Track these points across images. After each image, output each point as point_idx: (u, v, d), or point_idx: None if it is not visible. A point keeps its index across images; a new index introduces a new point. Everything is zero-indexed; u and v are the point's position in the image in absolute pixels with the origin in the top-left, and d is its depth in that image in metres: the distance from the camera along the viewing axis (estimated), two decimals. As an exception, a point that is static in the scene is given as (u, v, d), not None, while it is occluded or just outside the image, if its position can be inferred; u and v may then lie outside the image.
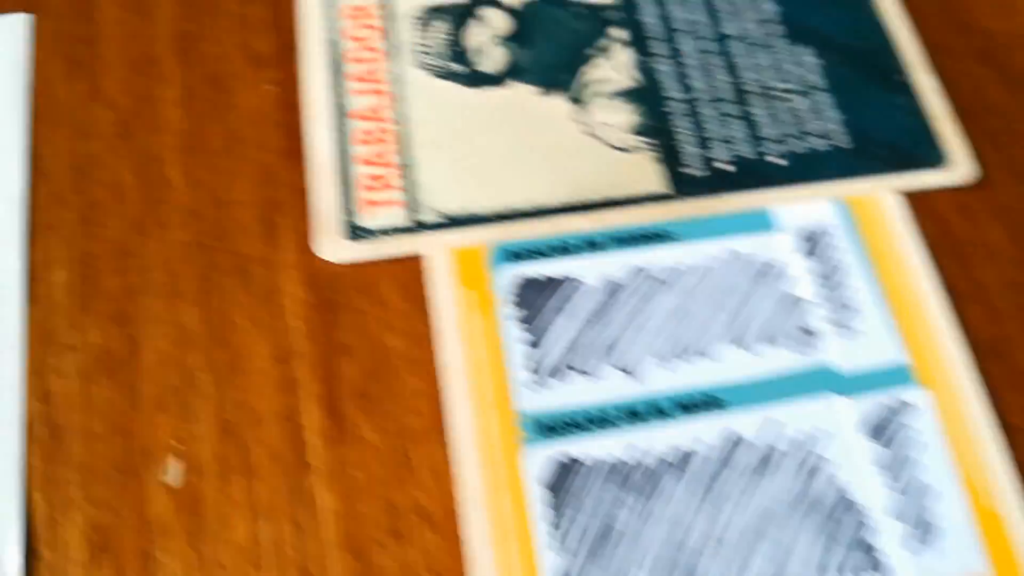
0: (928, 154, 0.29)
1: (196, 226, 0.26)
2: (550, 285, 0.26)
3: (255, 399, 0.24)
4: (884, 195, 0.28)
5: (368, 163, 0.27)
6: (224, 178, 0.27)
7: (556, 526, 0.23)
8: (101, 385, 0.24)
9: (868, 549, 0.23)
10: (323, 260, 0.26)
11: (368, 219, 0.26)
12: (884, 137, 0.29)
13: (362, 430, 0.24)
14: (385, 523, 0.23)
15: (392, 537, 0.23)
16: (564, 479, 0.23)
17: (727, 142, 0.28)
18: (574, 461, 0.24)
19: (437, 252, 0.26)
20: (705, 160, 0.28)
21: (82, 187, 0.27)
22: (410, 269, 0.26)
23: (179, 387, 0.24)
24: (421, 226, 0.26)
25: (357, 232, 0.26)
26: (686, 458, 0.24)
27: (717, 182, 0.28)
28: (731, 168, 0.28)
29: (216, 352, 0.25)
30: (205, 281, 0.25)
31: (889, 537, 0.23)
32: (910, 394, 0.25)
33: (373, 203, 0.26)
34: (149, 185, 0.27)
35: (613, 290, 0.26)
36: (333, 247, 0.26)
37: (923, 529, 0.23)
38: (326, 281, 0.26)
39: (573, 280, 0.26)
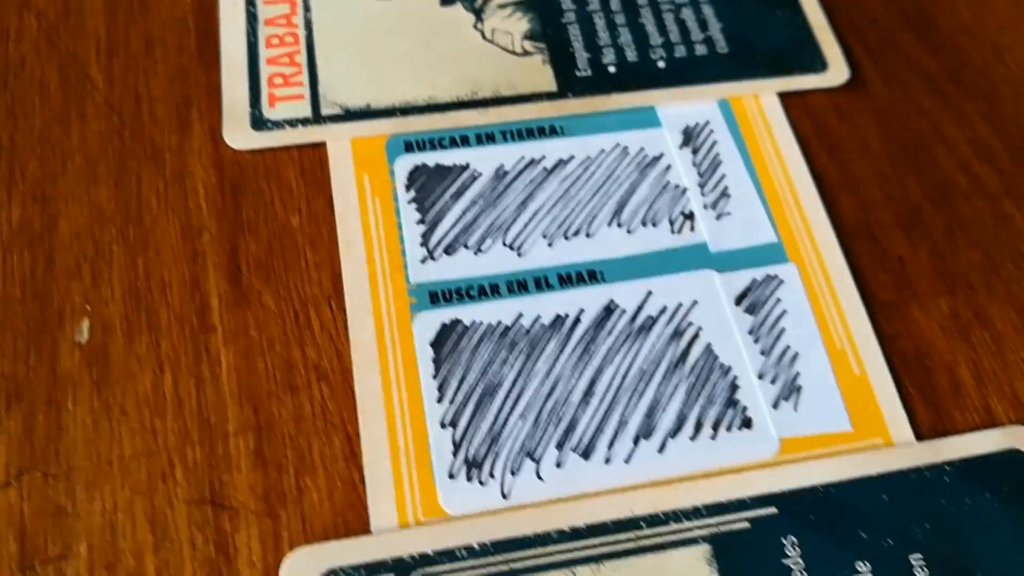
0: (807, 60, 0.30)
1: (115, 119, 0.28)
2: (445, 173, 0.28)
3: (163, 269, 0.26)
4: (764, 96, 0.30)
5: (276, 63, 0.29)
6: (143, 77, 0.29)
7: (438, 379, 0.24)
8: (21, 256, 0.25)
9: (739, 408, 0.25)
10: (232, 149, 0.27)
11: (274, 112, 0.28)
12: (766, 45, 0.31)
13: (263, 297, 0.25)
14: (282, 378, 0.24)
15: (288, 391, 0.24)
16: (447, 338, 0.25)
17: (616, 48, 0.30)
18: (457, 323, 0.25)
19: (338, 141, 0.28)
20: (595, 64, 0.30)
21: (10, 85, 0.28)
22: (313, 157, 0.28)
23: (93, 258, 0.26)
24: (324, 118, 0.28)
25: (263, 123, 0.27)
26: (565, 322, 0.26)
27: (605, 83, 0.29)
28: (619, 71, 0.30)
29: (129, 228, 0.26)
30: (121, 167, 0.27)
31: (758, 397, 0.25)
32: (778, 269, 0.27)
33: (279, 98, 0.28)
34: (72, 83, 0.28)
35: (504, 178, 0.28)
36: (240, 136, 0.27)
37: (790, 390, 0.25)
38: (233, 167, 0.27)
39: (467, 169, 0.28)
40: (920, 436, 0.25)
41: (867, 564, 0.23)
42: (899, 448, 0.24)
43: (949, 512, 0.24)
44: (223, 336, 0.25)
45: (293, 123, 0.28)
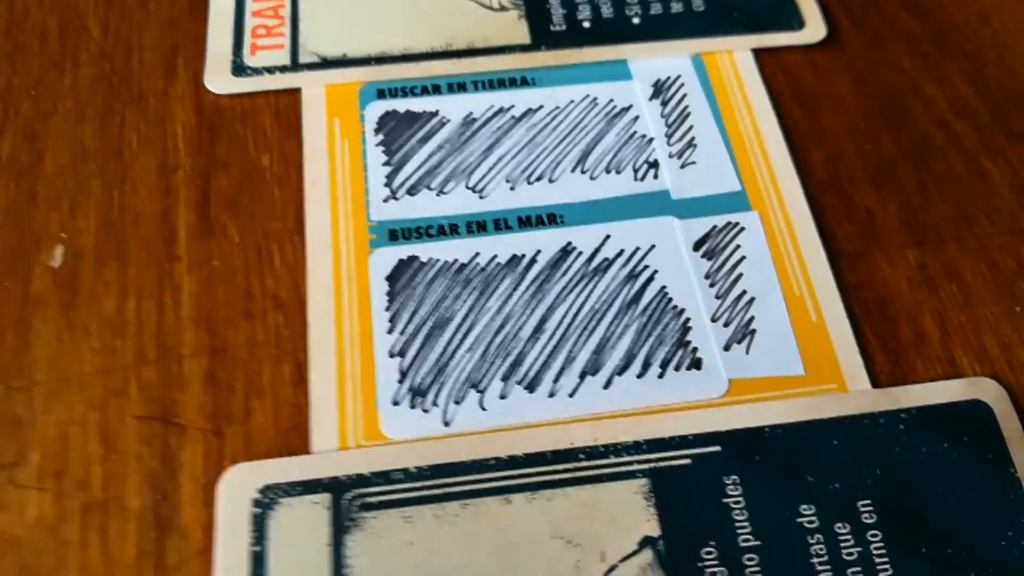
0: (784, 18, 0.30)
1: (106, 66, 0.29)
2: (414, 118, 0.28)
3: (137, 202, 0.26)
4: (738, 52, 0.29)
5: (261, 15, 0.29)
6: (136, 28, 0.29)
7: (391, 311, 0.24)
8: (6, 187, 0.26)
9: (689, 348, 0.24)
10: (212, 93, 0.28)
11: (254, 60, 0.28)
12: (744, 3, 0.30)
13: (228, 230, 0.26)
14: (239, 306, 0.25)
15: (244, 318, 0.24)
16: (403, 273, 0.25)
17: (592, 4, 0.30)
18: (414, 259, 0.25)
19: (313, 87, 0.28)
20: (570, 19, 0.30)
21: (13, 34, 0.29)
22: (289, 102, 0.28)
23: (73, 191, 0.26)
24: (301, 66, 0.28)
25: (243, 70, 0.28)
26: (521, 262, 0.25)
27: (579, 37, 0.29)
28: (593, 26, 0.29)
29: (109, 164, 0.27)
30: (108, 109, 0.28)
31: (709, 338, 0.24)
32: (740, 216, 0.26)
33: (260, 47, 0.29)
34: (70, 33, 0.29)
35: (471, 125, 0.28)
36: (221, 81, 0.28)
37: (743, 333, 0.24)
38: (212, 110, 0.28)
39: (435, 115, 0.28)
40: (878, 385, 0.24)
41: (812, 507, 0.22)
42: (853, 394, 0.23)
43: (903, 460, 0.23)
44: (187, 265, 0.25)
45: (271, 70, 0.28)
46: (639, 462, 0.23)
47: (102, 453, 0.23)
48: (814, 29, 0.29)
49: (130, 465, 0.23)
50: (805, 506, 0.22)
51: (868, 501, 0.22)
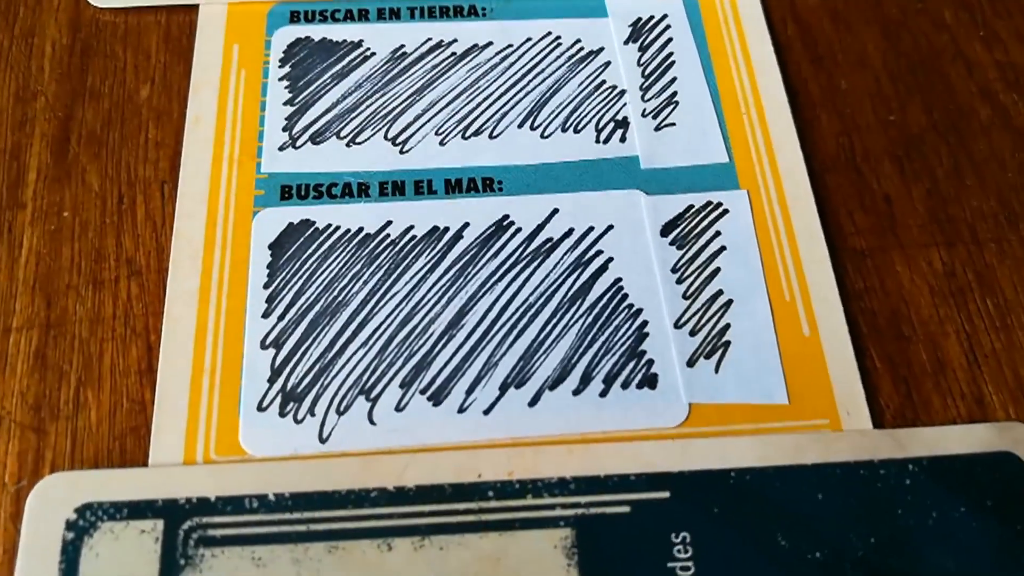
0: (802, -47, 0.23)
1: (-27, -34, 0.23)
2: (331, 49, 0.21)
3: (-18, 134, 0.21)
4: (741, -10, 0.23)
5: (162, -87, 0.23)
6: (14, -78, 0.23)
7: (270, 288, 0.18)
8: None
9: (643, 361, 0.18)
10: (93, 7, 0.22)
11: (147, -34, 0.22)
12: (753, -69, 0.23)
13: (87, 174, 0.20)
14: (87, 270, 0.19)
15: (91, 285, 0.19)
16: (291, 241, 0.19)
17: (566, -79, 0.23)
18: (308, 224, 0.19)
19: (213, 4, 0.22)
20: (537, -63, 0.23)
21: None
22: (182, 22, 0.21)
23: (-94, 115, 0.21)
24: (202, -23, 0.22)
25: (132, -22, 0.22)
26: (443, 236, 0.19)
27: (547, -39, 0.23)
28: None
29: (-44, 85, 0.21)
30: (-34, 18, 0.22)
31: (670, 350, 0.18)
32: (724, 196, 0.20)
33: (156, -49, 0.23)
34: (-65, -76, 0.23)
35: (401, 60, 0.21)
36: (103, -9, 0.22)
37: (714, 346, 0.18)
38: (90, 27, 0.21)
39: (359, 46, 0.21)
40: (880, 423, 0.18)
41: (782, 581, 0.16)
42: (848, 435, 0.17)
43: (906, 525, 0.17)
44: (32, 214, 0.19)
45: (165, -19, 0.22)
46: (563, 506, 0.17)
47: None
48: (838, -33, 0.23)
49: (-74, 463, 0.17)
50: (773, 578, 0.17)
51: (856, 577, 0.17)
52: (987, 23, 0.23)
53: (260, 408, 0.17)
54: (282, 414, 0.17)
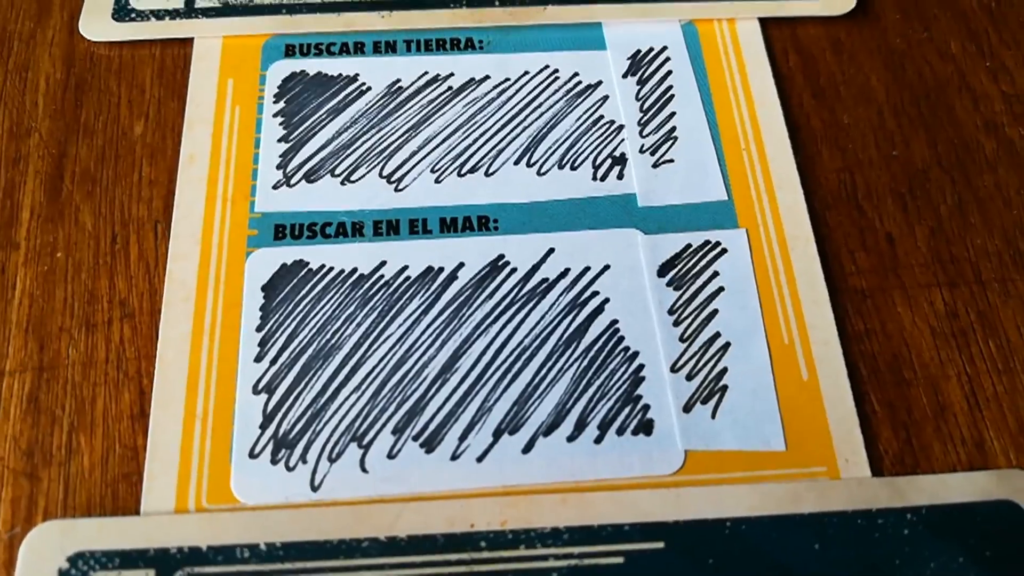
0: (804, -18, 0.23)
1: (-32, -1, 0.23)
2: (326, 83, 0.21)
3: (-24, 172, 0.21)
4: (741, 21, 0.22)
5: (157, -56, 0.23)
6: (9, -46, 0.24)
7: (263, 331, 0.18)
8: None
9: (639, 406, 0.18)
10: (88, 40, 0.22)
11: (141, 1, 0.22)
12: (754, -41, 0.23)
13: (81, 213, 0.20)
14: (80, 312, 0.19)
15: (84, 328, 0.19)
16: (285, 283, 0.19)
17: (565, -50, 0.23)
18: (302, 265, 0.19)
19: (208, 38, 0.22)
20: (535, -33, 0.23)
21: None
22: (176, 55, 0.22)
23: (-99, 153, 0.21)
24: (197, 11, 0.22)
25: (127, 13, 0.22)
26: (437, 277, 0.19)
27: (544, -9, 0.23)
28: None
29: (-50, 122, 0.21)
30: (-39, 53, 0.22)
31: (666, 395, 0.17)
32: (723, 235, 0.20)
33: (151, -16, 0.23)
34: (-70, -45, 0.24)
35: (397, 95, 0.21)
36: (98, 26, 0.21)
37: (711, 391, 0.18)
38: (84, 62, 0.21)
39: (354, 80, 0.21)
40: (879, 470, 0.17)
41: (777, 634, 0.16)
42: (847, 483, 0.17)
43: (904, 575, 0.17)
44: (25, 255, 0.19)
45: (160, 14, 0.22)
46: (556, 556, 0.17)
47: None
48: (841, -3, 0.23)
49: (-81, 510, 0.17)
50: (769, 631, 0.16)
51: (853, 631, 0.16)
52: (994, 53, 0.22)
53: (252, 455, 0.17)
54: (274, 461, 0.17)
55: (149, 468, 0.17)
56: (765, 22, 0.22)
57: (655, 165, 0.20)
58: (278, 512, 0.17)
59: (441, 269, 0.19)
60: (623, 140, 0.20)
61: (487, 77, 0.21)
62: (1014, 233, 0.20)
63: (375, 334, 0.18)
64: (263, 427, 0.17)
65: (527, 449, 0.17)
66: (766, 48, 0.22)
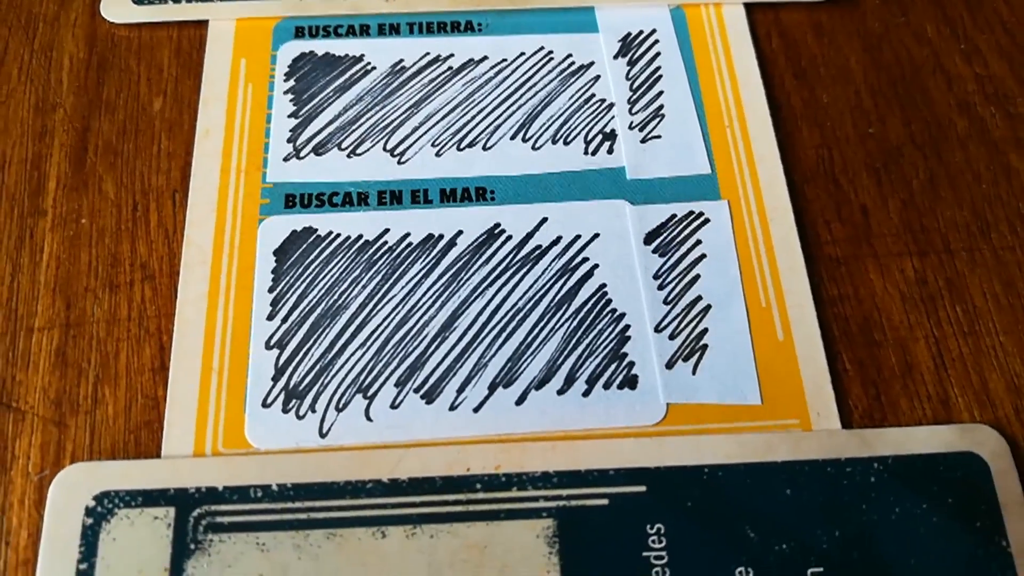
0: (789, -31, 0.24)
1: (-5, -17, 0.25)
2: (333, 63, 0.23)
3: (7, 144, 0.22)
4: (727, 5, 0.24)
5: (174, -69, 0.25)
6: (34, -60, 0.25)
7: (275, 292, 0.20)
8: None
9: (624, 363, 0.19)
10: (109, 22, 0.23)
11: (159, -17, 0.24)
12: (741, -52, 0.25)
13: (104, 183, 0.21)
14: (104, 274, 0.20)
15: (107, 288, 0.20)
16: (295, 248, 0.20)
17: (560, -62, 0.25)
18: (311, 231, 0.21)
19: (222, 20, 0.23)
20: (532, -46, 0.24)
21: (-103, -60, 0.25)
22: (192, 36, 0.23)
23: (-65, 127, 0.22)
24: (212, -6, 0.24)
25: (145, -6, 0.24)
26: (437, 243, 0.21)
27: (541, -23, 0.24)
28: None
29: (-20, 98, 0.23)
30: (-10, 33, 0.24)
31: (650, 352, 0.19)
32: (705, 205, 0.21)
33: (168, -32, 0.24)
34: (-40, -59, 0.25)
35: (400, 74, 0.23)
36: (118, 8, 0.23)
37: (692, 349, 0.19)
38: (105, 42, 0.23)
39: (360, 60, 0.23)
40: (849, 424, 0.19)
41: (750, 571, 0.17)
42: (817, 434, 0.19)
43: (869, 520, 0.18)
44: (52, 221, 0.21)
45: (177, -2, 0.24)
46: (546, 498, 0.18)
47: (-74, 437, 0.19)
48: (823, -17, 0.24)
49: (-45, 454, 0.19)
50: (742, 568, 0.18)
51: (820, 569, 0.17)
52: (968, 37, 0.24)
53: (264, 404, 0.19)
54: (285, 410, 0.19)
55: (169, 416, 0.19)
56: (750, 7, 0.24)
57: (643, 141, 0.22)
58: (288, 456, 0.18)
59: (441, 236, 0.21)
60: (613, 117, 0.22)
61: (485, 58, 0.23)
62: (982, 206, 0.21)
63: (379, 295, 0.20)
64: (275, 379, 0.19)
65: (520, 401, 0.19)
66: (750, 31, 0.23)
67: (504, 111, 0.22)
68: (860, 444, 0.19)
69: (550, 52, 0.23)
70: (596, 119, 0.22)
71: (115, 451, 0.19)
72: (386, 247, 0.20)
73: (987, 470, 0.18)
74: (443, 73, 0.23)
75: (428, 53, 0.23)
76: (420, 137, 0.22)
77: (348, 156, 0.21)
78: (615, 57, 0.23)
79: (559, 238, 0.21)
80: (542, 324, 0.20)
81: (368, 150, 0.22)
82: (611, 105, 0.22)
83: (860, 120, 0.22)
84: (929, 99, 0.23)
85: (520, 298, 0.20)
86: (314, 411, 0.19)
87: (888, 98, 0.23)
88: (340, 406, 0.19)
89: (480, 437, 0.18)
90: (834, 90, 0.23)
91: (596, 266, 0.20)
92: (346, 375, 0.19)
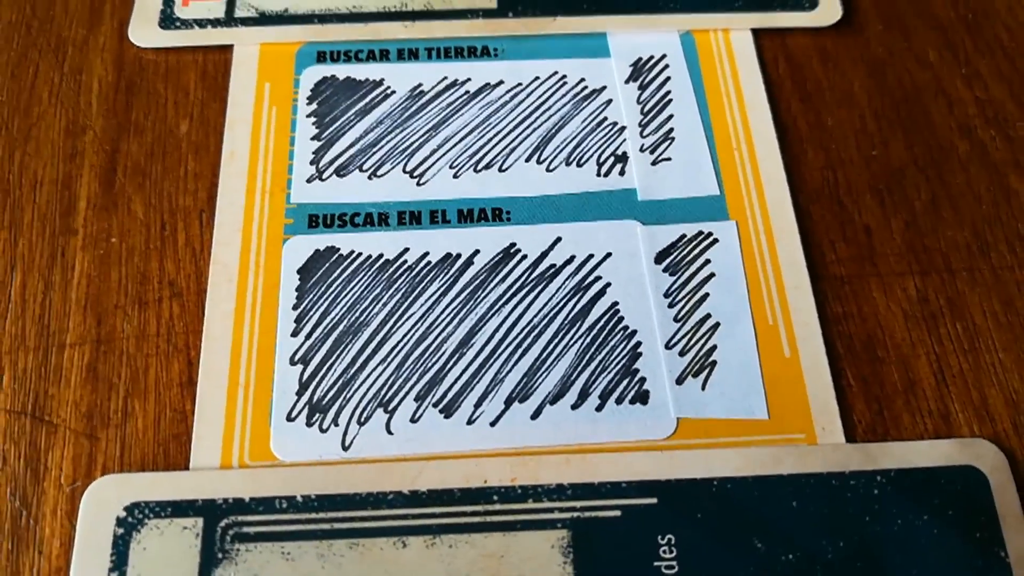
0: (794, -5, 0.25)
1: (27, 9, 0.25)
2: (354, 87, 0.24)
3: (39, 165, 0.23)
4: (735, 31, 0.25)
5: (199, -41, 0.26)
6: (63, -33, 0.26)
7: (298, 310, 0.21)
8: (-102, 139, 0.24)
9: (636, 378, 0.20)
10: (136, 46, 0.24)
11: (186, 11, 0.25)
12: (748, -25, 0.26)
13: (133, 203, 0.22)
14: (133, 291, 0.21)
15: (137, 305, 0.21)
16: (318, 266, 0.21)
17: (573, -35, 0.26)
18: (333, 250, 0.22)
19: (246, 45, 0.24)
20: (545, -19, 0.26)
21: (-69, -33, 0.26)
22: (218, 61, 0.24)
23: (-30, 148, 0.23)
24: (236, 20, 0.24)
25: (172, 22, 0.24)
26: (455, 262, 0.22)
27: (554, 3, 0.25)
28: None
29: (15, 120, 0.23)
30: (22, 58, 0.24)
31: (661, 368, 0.20)
32: (714, 226, 0.22)
33: (194, -5, 0.25)
34: (-8, -32, 0.26)
35: (419, 98, 0.24)
36: (146, 33, 0.24)
37: (701, 365, 0.20)
38: (133, 66, 0.24)
39: (380, 85, 0.24)
40: (853, 438, 0.20)
41: (758, 579, 0.19)
42: (822, 448, 0.20)
43: (872, 531, 0.19)
44: (83, 240, 0.22)
45: (203, 23, 0.24)
46: (561, 509, 0.19)
47: (-36, 449, 0.20)
48: (827, 9, 0.25)
49: (-8, 465, 0.20)
50: (750, 577, 0.19)
51: (825, 578, 0.19)
52: (969, 61, 0.25)
53: (289, 418, 0.20)
54: (309, 424, 0.20)
55: (197, 429, 0.20)
56: (757, 32, 0.25)
57: (654, 163, 0.23)
58: (312, 468, 0.19)
59: (459, 255, 0.22)
60: (625, 140, 0.23)
61: (501, 82, 0.24)
62: (982, 227, 0.22)
63: (399, 313, 0.21)
64: (299, 394, 0.20)
65: (535, 415, 0.20)
66: (758, 56, 0.24)
67: (519, 134, 0.23)
68: (864, 458, 0.20)
69: (564, 77, 0.24)
70: (608, 142, 0.23)
71: (145, 463, 0.20)
72: (406, 266, 0.21)
73: (986, 483, 0.19)
74: (460, 97, 0.24)
75: (446, 77, 0.24)
76: (438, 159, 0.23)
77: (369, 178, 0.22)
78: (626, 81, 0.24)
79: (573, 257, 0.22)
80: (556, 341, 0.21)
81: (388, 172, 0.23)
82: (623, 128, 0.23)
83: (864, 143, 0.23)
84: (931, 122, 0.24)
85: (535, 315, 0.21)
86: (337, 425, 0.20)
87: (891, 121, 0.24)
88: (362, 420, 0.20)
89: (497, 450, 0.19)
90: (839, 113, 0.24)
91: (608, 284, 0.21)
92: (368, 390, 0.20)
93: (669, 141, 0.23)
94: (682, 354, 0.20)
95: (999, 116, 0.24)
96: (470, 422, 0.20)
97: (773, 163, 0.23)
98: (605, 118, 0.23)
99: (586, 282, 0.21)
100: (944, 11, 0.25)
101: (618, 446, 0.19)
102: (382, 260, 0.21)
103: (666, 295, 0.21)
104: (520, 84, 0.24)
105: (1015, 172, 0.23)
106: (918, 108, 0.24)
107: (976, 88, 0.24)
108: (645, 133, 0.23)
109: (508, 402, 0.20)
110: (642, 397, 0.20)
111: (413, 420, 0.20)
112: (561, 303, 0.21)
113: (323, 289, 0.21)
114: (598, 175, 0.23)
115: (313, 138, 0.23)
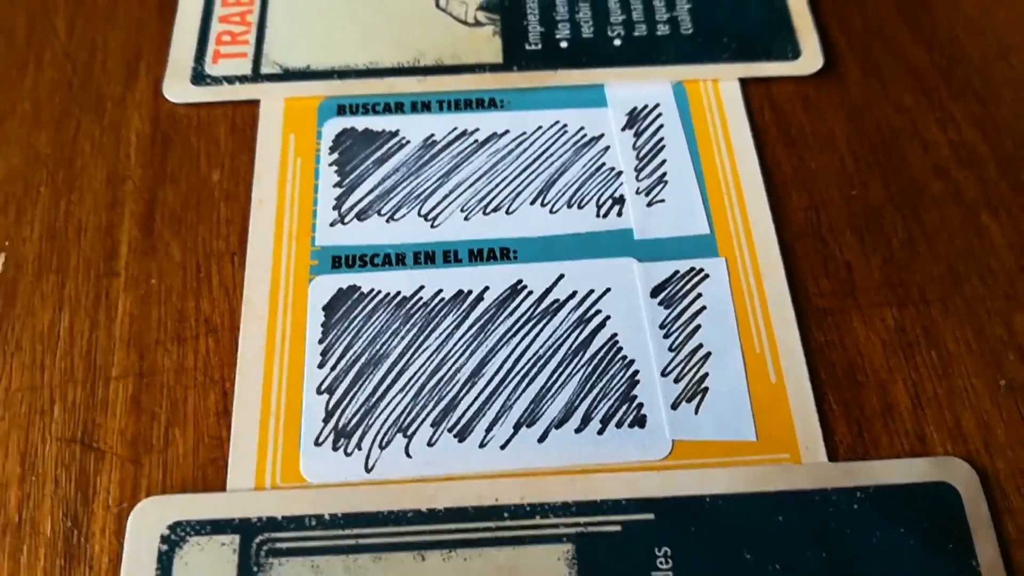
0: (778, 46, 0.28)
1: (68, 68, 0.28)
2: (372, 138, 0.26)
3: (83, 212, 0.25)
4: (723, 81, 0.27)
5: (228, 21, 0.28)
6: (102, 29, 0.29)
7: (324, 343, 0.23)
8: (-46, 191, 0.26)
9: (634, 404, 0.22)
10: (170, 102, 0.27)
11: (215, 68, 0.27)
12: (736, 28, 0.28)
13: (170, 247, 0.25)
14: (172, 328, 0.24)
15: (176, 341, 0.24)
16: (341, 303, 0.24)
17: (572, 22, 0.28)
18: (355, 289, 0.24)
19: (272, 100, 0.27)
20: (547, 38, 0.28)
21: (-19, 30, 0.29)
22: (245, 114, 0.27)
23: (21, 197, 0.26)
24: (262, 77, 0.27)
25: (203, 78, 0.27)
26: (467, 298, 0.24)
27: (554, 58, 0.27)
28: (571, 47, 0.28)
29: (59, 171, 0.26)
30: (64, 114, 0.27)
31: (656, 394, 0.22)
32: (705, 262, 0.24)
33: (223, 55, 0.28)
34: (36, 32, 0.29)
35: (432, 147, 0.26)
36: (179, 90, 0.27)
37: (694, 391, 0.22)
38: (168, 119, 0.27)
39: (395, 135, 0.27)
40: (835, 457, 0.22)
41: (747, 589, 0.21)
42: (806, 467, 0.22)
43: (852, 543, 0.21)
44: (125, 282, 0.25)
45: (231, 80, 0.27)
46: (566, 525, 0.21)
47: (20, 473, 0.22)
48: (810, 59, 0.27)
49: (46, 489, 0.22)
50: (740, 587, 0.21)
51: (810, 587, 0.21)
52: (943, 106, 0.27)
53: (317, 443, 0.22)
54: (335, 448, 0.22)
55: (232, 455, 0.22)
56: (745, 82, 0.27)
57: (649, 204, 0.25)
58: (338, 489, 0.22)
59: (470, 292, 0.24)
60: (622, 183, 0.25)
61: (507, 131, 0.26)
62: (956, 261, 0.24)
63: (416, 345, 0.23)
64: (325, 420, 0.22)
65: (542, 439, 0.22)
66: (745, 104, 0.27)
67: (525, 179, 0.26)
68: (844, 475, 0.22)
69: (564, 125, 0.26)
70: (606, 185, 0.25)
71: (185, 485, 0.22)
72: (421, 302, 0.24)
73: (959, 498, 0.21)
74: (470, 146, 0.26)
75: (456, 128, 0.26)
76: (450, 203, 0.25)
77: (387, 221, 0.25)
78: (623, 129, 0.26)
79: (575, 292, 0.24)
80: (561, 370, 0.23)
81: (404, 216, 0.25)
82: (619, 173, 0.26)
83: (844, 184, 0.26)
84: (907, 164, 0.26)
85: (541, 347, 0.23)
86: (360, 449, 0.22)
87: (870, 163, 0.26)
88: (383, 444, 0.22)
89: (507, 471, 0.22)
90: (821, 157, 0.26)
91: (608, 317, 0.23)
92: (388, 416, 0.22)
93: (663, 184, 0.25)
94: (676, 381, 0.23)
95: (972, 158, 0.26)
96: (482, 445, 0.22)
97: (759, 204, 0.25)
98: (603, 163, 0.26)
99: (587, 315, 0.24)
100: (920, 59, 0.28)
101: (618, 466, 0.22)
102: (400, 297, 0.24)
103: (661, 327, 0.23)
104: (524, 133, 0.26)
105: (986, 210, 0.25)
106: (895, 150, 0.26)
107: (950, 131, 0.27)
108: (640, 177, 0.26)
109: (517, 427, 0.22)
110: (640, 421, 0.22)
111: (430, 444, 0.22)
112: (564, 335, 0.23)
113: (346, 324, 0.23)
114: (597, 216, 0.25)
115: (335, 185, 0.25)
